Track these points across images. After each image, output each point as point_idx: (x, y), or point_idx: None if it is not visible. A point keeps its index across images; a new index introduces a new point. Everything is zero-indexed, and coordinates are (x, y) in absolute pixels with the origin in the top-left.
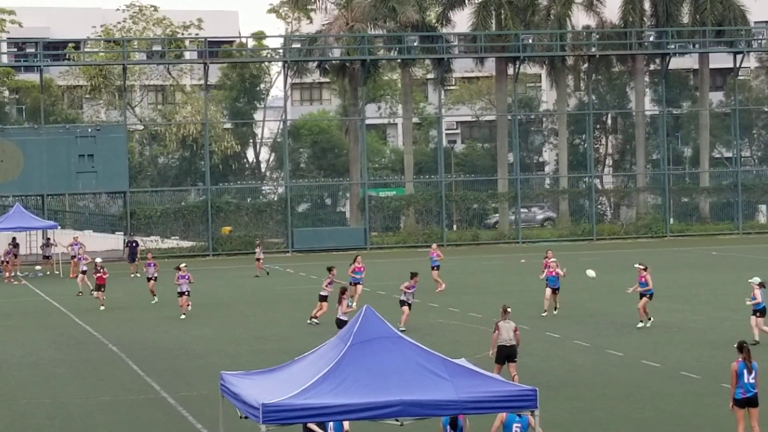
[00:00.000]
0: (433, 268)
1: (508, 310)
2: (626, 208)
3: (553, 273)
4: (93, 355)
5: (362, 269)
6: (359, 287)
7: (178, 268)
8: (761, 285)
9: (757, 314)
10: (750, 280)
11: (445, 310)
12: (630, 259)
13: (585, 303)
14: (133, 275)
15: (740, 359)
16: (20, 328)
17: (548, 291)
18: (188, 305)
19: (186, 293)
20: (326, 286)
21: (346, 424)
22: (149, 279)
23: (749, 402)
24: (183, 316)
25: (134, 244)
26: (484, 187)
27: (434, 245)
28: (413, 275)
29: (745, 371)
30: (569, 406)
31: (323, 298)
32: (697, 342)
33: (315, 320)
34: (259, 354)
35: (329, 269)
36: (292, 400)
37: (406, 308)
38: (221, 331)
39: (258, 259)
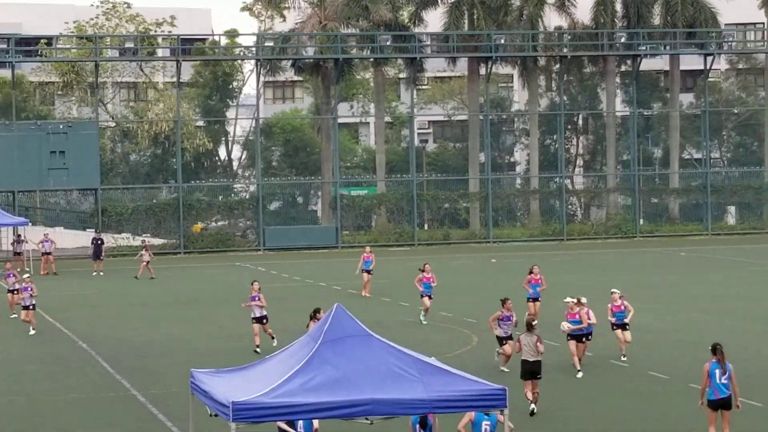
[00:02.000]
0: (366, 272)
1: (534, 323)
2: (596, 209)
3: (539, 281)
4: (63, 352)
5: (431, 279)
6: (428, 300)
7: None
8: (579, 301)
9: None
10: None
11: (415, 309)
12: (600, 259)
13: (555, 302)
14: (95, 273)
15: (713, 360)
16: None
17: (532, 305)
18: (32, 321)
19: (30, 307)
20: (252, 303)
21: (315, 423)
22: (10, 291)
23: (723, 404)
24: (32, 332)
25: (99, 242)
26: (456, 186)
27: (368, 248)
28: (504, 301)
29: (717, 371)
30: (538, 406)
31: (257, 320)
32: (666, 342)
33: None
34: (230, 352)
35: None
36: (262, 398)
37: (508, 346)
38: (192, 328)
39: (145, 262)
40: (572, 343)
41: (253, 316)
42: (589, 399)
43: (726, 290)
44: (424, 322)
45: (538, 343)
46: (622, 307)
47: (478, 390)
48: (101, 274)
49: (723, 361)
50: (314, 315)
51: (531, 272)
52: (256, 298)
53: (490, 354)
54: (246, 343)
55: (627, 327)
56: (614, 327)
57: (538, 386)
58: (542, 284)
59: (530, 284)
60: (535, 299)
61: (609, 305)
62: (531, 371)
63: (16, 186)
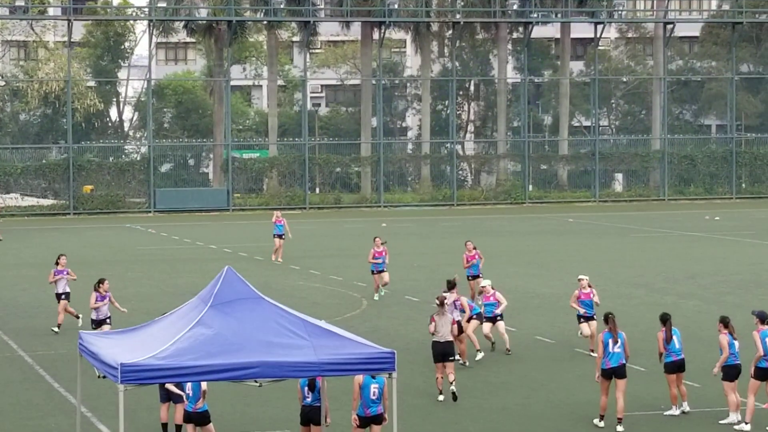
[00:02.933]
0: (278, 236)
1: (446, 302)
2: (486, 175)
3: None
4: None
5: (383, 253)
6: (384, 275)
7: None
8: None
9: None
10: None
11: (305, 273)
12: (489, 224)
13: (443, 267)
14: None
15: (606, 330)
16: None
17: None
18: None
19: None
20: (60, 277)
21: (204, 384)
22: None
23: (615, 373)
24: None
25: None
26: (348, 150)
27: (278, 212)
28: (450, 284)
29: (610, 341)
30: (426, 369)
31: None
32: (552, 307)
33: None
34: (119, 314)
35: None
36: (150, 360)
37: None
38: (80, 290)
39: None
40: (487, 326)
41: (56, 291)
42: (476, 363)
43: (612, 256)
44: (377, 299)
45: (454, 325)
46: (591, 295)
47: (367, 353)
48: None
49: (615, 330)
50: (97, 286)
51: (466, 249)
52: (65, 273)
53: (379, 318)
54: (134, 305)
55: (594, 317)
56: (581, 319)
57: (453, 369)
58: (481, 258)
59: (468, 261)
60: (476, 276)
61: (576, 292)
62: (443, 353)
63: None
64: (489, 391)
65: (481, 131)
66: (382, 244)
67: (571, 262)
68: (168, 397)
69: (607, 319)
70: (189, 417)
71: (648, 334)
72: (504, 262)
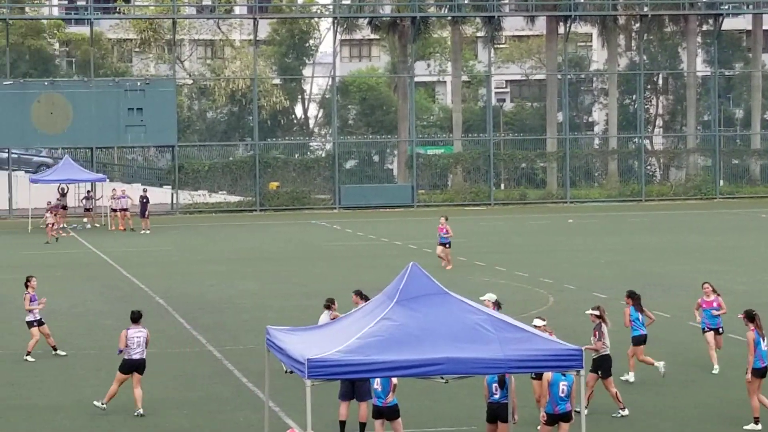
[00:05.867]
0: (444, 245)
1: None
2: (676, 170)
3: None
4: (140, 308)
5: (713, 303)
6: (717, 337)
7: None
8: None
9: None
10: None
11: (491, 269)
12: (679, 220)
13: (632, 263)
14: (143, 231)
15: (753, 328)
16: (68, 279)
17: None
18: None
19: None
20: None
21: (394, 378)
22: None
23: (765, 372)
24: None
25: (145, 200)
26: (533, 146)
27: (443, 219)
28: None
29: (761, 341)
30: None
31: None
32: (744, 304)
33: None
34: (305, 309)
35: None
36: (337, 355)
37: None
38: (267, 286)
39: (48, 225)
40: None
41: (33, 319)
42: (663, 359)
43: None
44: (715, 372)
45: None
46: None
47: (554, 350)
48: (147, 232)
49: (761, 328)
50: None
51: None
52: (35, 299)
53: (566, 315)
54: (321, 300)
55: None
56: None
57: (612, 383)
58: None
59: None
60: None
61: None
62: (599, 365)
63: (94, 142)
64: (682, 386)
65: (669, 125)
66: (713, 291)
67: (763, 259)
68: (351, 394)
69: (753, 317)
70: (379, 412)
71: None
72: (695, 259)
